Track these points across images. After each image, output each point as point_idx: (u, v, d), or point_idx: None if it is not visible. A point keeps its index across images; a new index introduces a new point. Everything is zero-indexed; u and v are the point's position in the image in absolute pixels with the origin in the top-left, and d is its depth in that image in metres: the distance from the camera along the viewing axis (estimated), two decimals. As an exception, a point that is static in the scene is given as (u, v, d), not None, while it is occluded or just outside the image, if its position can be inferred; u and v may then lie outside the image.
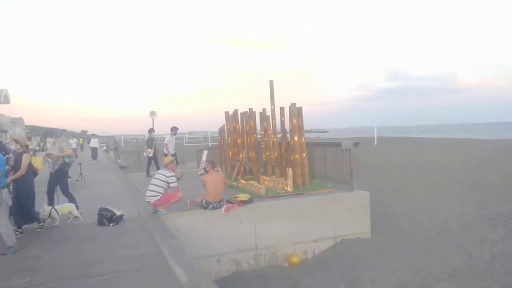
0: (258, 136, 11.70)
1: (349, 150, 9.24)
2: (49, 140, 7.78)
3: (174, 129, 13.59)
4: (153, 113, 26.53)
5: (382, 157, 22.39)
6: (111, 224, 6.75)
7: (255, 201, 8.27)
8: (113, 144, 32.35)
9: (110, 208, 6.99)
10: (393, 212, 11.00)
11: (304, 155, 9.60)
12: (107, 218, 6.78)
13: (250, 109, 11.10)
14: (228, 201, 7.99)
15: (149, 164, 14.35)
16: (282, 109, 10.66)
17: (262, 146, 11.65)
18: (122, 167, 21.29)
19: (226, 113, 12.05)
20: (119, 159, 27.73)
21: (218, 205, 7.71)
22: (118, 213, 6.96)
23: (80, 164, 14.15)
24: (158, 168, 13.13)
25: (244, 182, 10.07)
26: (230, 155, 11.92)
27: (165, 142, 13.28)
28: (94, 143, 24.66)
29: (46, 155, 7.59)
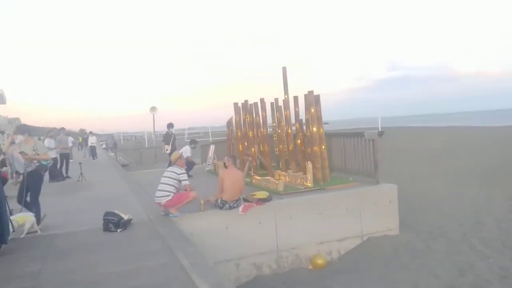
0: (269, 129, 10.97)
1: (372, 140, 8.50)
2: (20, 137, 6.57)
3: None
4: (153, 109, 25.81)
5: (392, 147, 21.65)
6: (119, 230, 6.01)
7: (273, 198, 7.54)
8: (112, 142, 31.64)
9: (116, 211, 6.25)
10: (417, 205, 10.30)
11: (323, 147, 8.85)
12: (114, 223, 6.04)
13: (262, 99, 10.34)
14: (245, 200, 7.27)
15: (170, 162, 13.15)
16: (296, 98, 9.92)
17: (275, 138, 10.93)
18: (123, 165, 20.57)
19: (235, 104, 11.28)
20: (118, 156, 27.12)
21: (235, 205, 6.98)
22: (125, 217, 6.22)
23: (80, 163, 13.42)
24: None
25: (259, 178, 9.33)
26: (240, 149, 11.16)
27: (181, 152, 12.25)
28: (92, 141, 23.54)
29: (20, 152, 6.45)
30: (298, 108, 9.97)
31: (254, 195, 7.38)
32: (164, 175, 6.81)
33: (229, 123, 12.40)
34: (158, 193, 6.64)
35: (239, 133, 11.23)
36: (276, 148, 10.99)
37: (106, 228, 6.05)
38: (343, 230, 7.80)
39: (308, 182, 8.42)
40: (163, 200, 6.55)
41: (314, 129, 8.72)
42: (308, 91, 8.73)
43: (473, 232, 8.20)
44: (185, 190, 6.79)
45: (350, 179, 9.11)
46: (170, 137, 12.58)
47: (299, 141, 9.93)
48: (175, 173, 6.69)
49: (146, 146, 38.98)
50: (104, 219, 6.15)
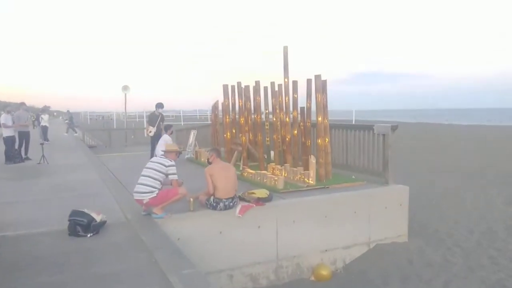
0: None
1: (383, 135, 7.53)
2: None
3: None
4: (125, 88, 23.98)
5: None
6: (89, 235, 4.75)
7: (274, 198, 6.45)
8: (68, 118, 29.32)
9: (86, 211, 4.96)
10: (419, 207, 9.49)
11: (327, 140, 7.80)
12: (83, 225, 4.76)
13: (257, 82, 9.16)
14: (241, 199, 6.14)
15: (153, 145, 11.26)
16: (295, 83, 8.80)
17: (266, 127, 9.81)
18: (90, 147, 18.90)
19: (224, 86, 10.03)
20: (67, 132, 25.70)
21: (231, 204, 5.84)
22: (98, 217, 4.95)
23: (42, 143, 11.84)
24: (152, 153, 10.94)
25: (252, 171, 8.19)
26: (228, 137, 9.97)
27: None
28: (44, 120, 19.36)
29: None
30: (297, 95, 8.88)
31: (253, 193, 6.25)
32: (147, 166, 5.56)
33: (214, 107, 11.17)
34: (139, 188, 5.39)
35: (227, 119, 10.02)
36: (267, 138, 9.90)
37: (73, 232, 4.77)
38: (349, 236, 6.84)
39: (310, 179, 7.37)
40: (146, 198, 5.32)
41: (319, 119, 7.65)
42: (315, 75, 7.62)
43: (488, 241, 7.42)
44: (171, 185, 5.60)
45: (353, 176, 8.15)
46: (156, 118, 11.19)
47: (295, 131, 8.87)
48: (163, 165, 5.46)
49: (115, 127, 37.00)
50: (70, 220, 4.85)
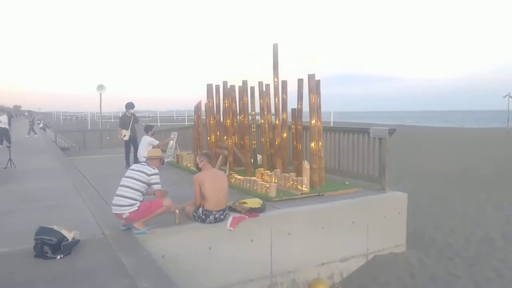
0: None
1: (380, 138, 7.11)
2: None
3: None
4: (100, 87, 22.97)
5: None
6: (59, 257, 4.08)
7: (267, 207, 5.89)
8: (29, 118, 28.22)
9: (56, 227, 4.29)
10: (410, 214, 9.11)
11: (320, 144, 7.31)
12: (51, 246, 4.09)
13: (244, 82, 8.59)
14: (231, 209, 5.57)
15: (127, 150, 10.55)
16: (284, 83, 8.31)
17: (253, 130, 9.27)
18: (63, 149, 17.88)
19: (209, 86, 9.42)
20: (30, 133, 24.82)
21: (222, 216, 5.25)
22: (70, 235, 4.28)
23: (8, 146, 10.94)
24: (136, 157, 10.19)
25: (240, 177, 7.62)
26: (212, 140, 9.36)
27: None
28: (3, 122, 17.29)
29: None
30: (286, 96, 8.38)
31: (245, 203, 5.68)
32: (127, 174, 4.91)
33: (197, 108, 10.51)
34: (118, 201, 4.74)
35: (211, 121, 9.41)
36: (253, 141, 9.36)
37: (40, 253, 4.09)
38: (347, 248, 6.37)
39: (304, 186, 6.86)
40: (126, 212, 4.67)
41: (313, 121, 7.15)
42: (309, 75, 7.12)
43: (488, 251, 7.10)
44: (154, 195, 4.98)
45: (347, 182, 7.72)
46: (129, 120, 10.40)
47: (285, 134, 8.37)
48: (145, 173, 4.82)
49: (89, 128, 35.68)
50: (36, 239, 4.17)
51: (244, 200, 5.75)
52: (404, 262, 6.60)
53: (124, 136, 10.17)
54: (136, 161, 10.13)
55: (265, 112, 8.60)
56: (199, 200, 5.18)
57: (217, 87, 9.50)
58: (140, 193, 4.78)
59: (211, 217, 5.14)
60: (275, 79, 8.04)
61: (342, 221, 6.28)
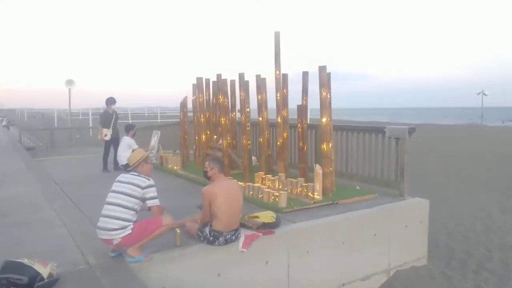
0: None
1: (397, 139, 6.37)
2: None
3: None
4: (69, 82, 21.45)
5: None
6: (31, 303, 3.06)
7: (281, 221, 5.01)
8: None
9: (26, 261, 3.26)
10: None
11: (330, 145, 6.49)
12: (21, 287, 3.06)
13: (241, 74, 7.65)
14: (242, 225, 4.65)
15: (106, 152, 9.40)
16: (285, 76, 7.44)
17: (248, 129, 8.36)
18: (29, 149, 16.38)
19: (199, 79, 8.43)
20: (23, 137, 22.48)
21: (233, 237, 4.33)
22: (45, 271, 3.26)
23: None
24: (116, 160, 9.06)
25: (242, 184, 6.69)
26: (203, 140, 8.39)
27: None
28: None
29: None
30: (287, 91, 7.53)
31: (256, 217, 4.79)
32: (115, 189, 3.88)
33: (183, 104, 9.49)
34: (105, 223, 3.72)
35: (202, 118, 8.43)
36: (249, 142, 8.45)
37: (4, 299, 3.06)
38: (368, 265, 5.58)
39: (316, 193, 6.03)
40: (117, 237, 3.68)
41: (324, 119, 6.31)
42: (320, 66, 6.26)
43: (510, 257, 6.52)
44: (149, 210, 3.99)
45: (358, 187, 6.95)
46: (110, 118, 9.23)
47: (285, 134, 7.52)
48: (138, 186, 3.83)
49: (56, 125, 33.71)
50: (0, 279, 3.13)
51: (255, 214, 4.85)
52: (429, 277, 5.90)
53: (106, 136, 9.01)
54: (116, 165, 9.03)
55: (263, 109, 7.74)
56: (208, 217, 4.25)
57: (207, 81, 8.54)
58: (133, 212, 3.80)
59: (221, 239, 4.21)
60: (277, 72, 7.16)
61: (363, 234, 5.48)
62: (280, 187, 6.56)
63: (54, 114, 42.67)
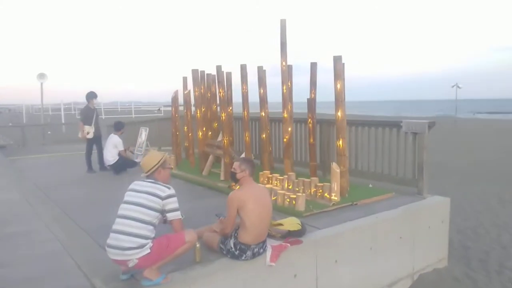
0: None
1: (416, 133, 5.98)
2: None
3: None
4: (41, 76, 20.22)
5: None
6: None
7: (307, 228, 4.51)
8: None
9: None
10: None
11: (345, 141, 6.03)
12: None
13: (243, 66, 7.07)
14: (269, 236, 4.11)
15: (89, 151, 8.54)
16: (289, 67, 6.93)
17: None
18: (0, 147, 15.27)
19: (194, 71, 7.79)
20: None
21: (261, 250, 3.80)
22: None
23: None
24: (101, 160, 8.33)
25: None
26: (200, 137, 7.78)
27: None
28: None
29: None
30: (292, 83, 7.02)
31: (280, 224, 4.26)
32: (129, 199, 3.26)
33: (174, 98, 8.84)
34: (119, 241, 3.10)
35: (198, 114, 7.81)
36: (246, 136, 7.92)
37: None
38: (394, 269, 5.17)
39: (333, 194, 5.56)
40: (134, 257, 3.08)
41: (339, 113, 5.84)
42: (334, 57, 5.76)
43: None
44: (169, 224, 3.41)
45: (370, 185, 6.55)
46: (92, 114, 8.44)
47: (290, 128, 7.01)
48: (157, 196, 3.23)
49: (25, 121, 32.17)
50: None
51: (279, 221, 4.32)
52: (453, 280, 5.55)
53: (88, 133, 8.22)
54: (102, 165, 8.30)
55: (265, 103, 7.21)
56: (231, 227, 3.70)
57: (202, 73, 7.93)
58: (151, 227, 3.20)
59: (249, 253, 3.67)
60: (283, 63, 6.62)
61: (389, 237, 5.06)
62: (291, 187, 6.07)
63: (22, 109, 40.72)
